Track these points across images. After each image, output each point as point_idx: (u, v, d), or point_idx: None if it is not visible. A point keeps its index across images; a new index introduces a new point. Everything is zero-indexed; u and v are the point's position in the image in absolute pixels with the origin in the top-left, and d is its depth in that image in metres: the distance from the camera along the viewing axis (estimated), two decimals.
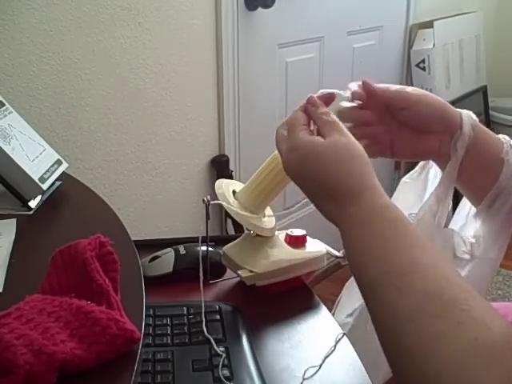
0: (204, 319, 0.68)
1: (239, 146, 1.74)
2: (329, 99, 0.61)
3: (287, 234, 0.80)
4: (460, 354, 0.40)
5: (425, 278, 0.44)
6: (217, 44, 1.57)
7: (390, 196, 0.80)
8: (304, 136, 0.56)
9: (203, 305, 0.69)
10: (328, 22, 1.95)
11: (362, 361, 0.65)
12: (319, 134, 0.57)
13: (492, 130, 0.69)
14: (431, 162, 0.76)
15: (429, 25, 2.33)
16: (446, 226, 0.75)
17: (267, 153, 0.72)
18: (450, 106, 0.69)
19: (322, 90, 0.62)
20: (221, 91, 1.61)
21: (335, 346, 0.66)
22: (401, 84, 2.40)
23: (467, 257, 0.69)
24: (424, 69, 2.35)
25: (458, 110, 0.68)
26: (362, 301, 0.49)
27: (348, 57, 2.10)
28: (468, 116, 0.67)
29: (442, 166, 0.72)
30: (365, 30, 2.14)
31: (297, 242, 0.79)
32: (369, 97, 0.67)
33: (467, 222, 0.73)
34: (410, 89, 0.68)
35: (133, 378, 0.46)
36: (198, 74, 1.55)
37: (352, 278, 0.80)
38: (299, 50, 1.88)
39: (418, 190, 0.76)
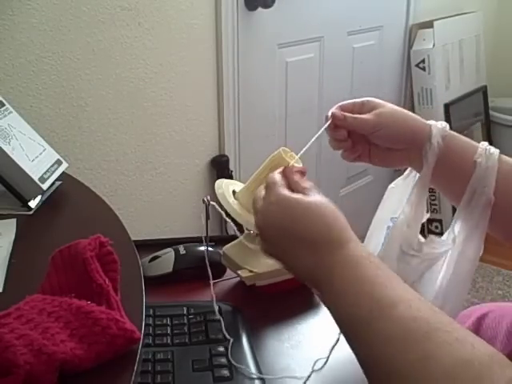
0: (222, 318, 0.69)
1: (239, 146, 1.74)
2: (302, 173, 0.63)
3: None
4: (450, 370, 0.43)
5: (412, 307, 0.48)
6: (217, 44, 1.57)
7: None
8: (287, 192, 0.57)
9: (215, 303, 0.70)
10: (328, 21, 1.95)
11: None
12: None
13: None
14: None
15: (429, 25, 2.33)
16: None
17: (267, 153, 0.72)
18: (419, 120, 0.73)
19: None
20: (221, 91, 1.61)
21: (334, 346, 0.66)
22: (400, 84, 2.41)
23: (413, 253, 0.73)
24: (424, 69, 2.35)
25: (428, 123, 0.73)
26: None
27: (348, 57, 2.10)
28: (437, 128, 0.71)
29: (419, 172, 0.75)
30: (365, 29, 2.13)
31: None
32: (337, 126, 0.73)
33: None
34: (377, 113, 0.71)
35: (133, 378, 0.46)
36: (198, 73, 1.55)
37: None
38: (299, 50, 1.88)
39: (402, 195, 0.78)
